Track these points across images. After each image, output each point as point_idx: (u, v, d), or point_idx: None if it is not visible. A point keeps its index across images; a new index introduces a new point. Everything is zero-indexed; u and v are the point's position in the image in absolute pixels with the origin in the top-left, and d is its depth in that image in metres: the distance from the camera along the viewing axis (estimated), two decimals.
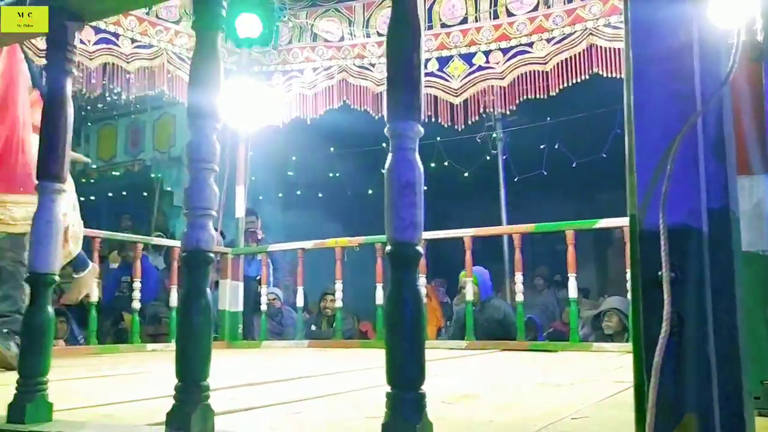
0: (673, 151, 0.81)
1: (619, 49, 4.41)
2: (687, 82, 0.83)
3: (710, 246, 0.84)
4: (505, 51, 4.91)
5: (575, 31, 4.68)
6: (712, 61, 0.84)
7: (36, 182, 1.27)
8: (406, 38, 1.01)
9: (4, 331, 2.97)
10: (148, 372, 3.10)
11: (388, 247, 1.00)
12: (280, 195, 8.96)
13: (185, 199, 1.13)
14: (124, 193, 10.10)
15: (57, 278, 1.27)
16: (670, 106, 0.83)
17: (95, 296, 4.53)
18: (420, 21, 1.03)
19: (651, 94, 0.83)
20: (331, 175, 9.54)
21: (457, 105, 5.08)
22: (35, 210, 1.26)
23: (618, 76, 4.42)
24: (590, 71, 4.57)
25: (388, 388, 0.97)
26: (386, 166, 1.01)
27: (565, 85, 4.67)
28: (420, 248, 1.01)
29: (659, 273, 0.83)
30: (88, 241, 4.43)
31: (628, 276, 4.01)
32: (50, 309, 1.26)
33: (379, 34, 5.33)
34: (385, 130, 1.02)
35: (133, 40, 4.91)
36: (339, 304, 5.05)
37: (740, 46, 0.86)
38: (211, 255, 1.13)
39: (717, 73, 0.85)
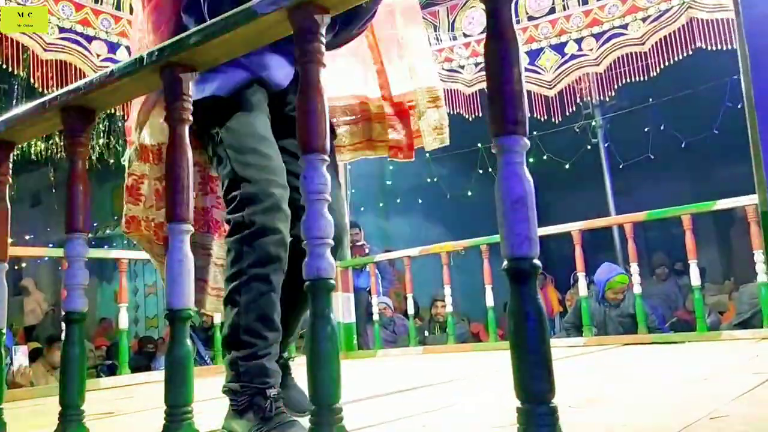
0: None
1: (723, 19, 4.15)
2: None
3: None
4: (597, 36, 4.75)
5: (672, 6, 4.45)
6: None
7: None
8: (504, 53, 1.01)
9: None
10: None
11: (505, 263, 1.00)
12: (381, 204, 9.07)
13: (302, 231, 1.18)
14: None
15: (192, 313, 1.36)
16: None
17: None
18: (516, 33, 1.03)
19: None
20: (429, 180, 9.57)
21: (552, 97, 4.96)
22: (170, 250, 1.35)
23: (724, 48, 4.16)
24: (692, 46, 4.33)
25: (518, 403, 0.97)
26: (495, 182, 1.01)
27: (666, 64, 4.46)
28: (537, 261, 1.00)
29: None
30: None
31: (757, 257, 3.75)
32: (189, 342, 1.34)
33: (465, 36, 5.30)
34: (492, 147, 1.02)
35: None
36: (449, 309, 5.05)
37: None
38: (332, 282, 1.18)
39: None
